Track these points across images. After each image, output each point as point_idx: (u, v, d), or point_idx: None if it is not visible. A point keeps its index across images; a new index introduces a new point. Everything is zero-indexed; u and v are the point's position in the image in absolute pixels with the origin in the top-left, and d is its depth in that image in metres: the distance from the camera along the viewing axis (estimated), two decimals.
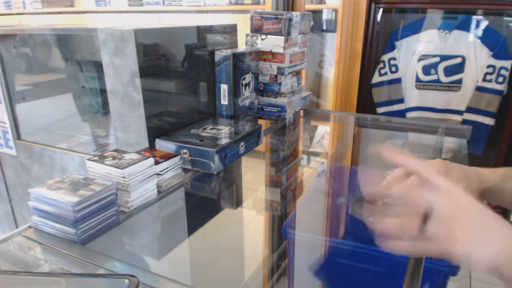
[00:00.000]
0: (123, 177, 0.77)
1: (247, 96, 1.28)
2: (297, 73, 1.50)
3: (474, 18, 2.09)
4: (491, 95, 2.07)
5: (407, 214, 0.47)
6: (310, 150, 1.48)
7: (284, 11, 1.63)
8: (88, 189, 0.70)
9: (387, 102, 2.36)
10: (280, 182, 1.17)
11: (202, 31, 1.18)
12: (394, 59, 2.28)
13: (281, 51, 1.31)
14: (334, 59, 2.28)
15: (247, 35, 1.36)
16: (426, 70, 2.21)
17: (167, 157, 0.89)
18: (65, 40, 1.49)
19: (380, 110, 2.40)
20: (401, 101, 2.33)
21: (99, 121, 1.65)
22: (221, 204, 1.03)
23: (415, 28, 2.22)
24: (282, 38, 1.29)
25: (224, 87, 1.20)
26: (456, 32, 2.12)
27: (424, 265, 0.59)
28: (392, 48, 2.28)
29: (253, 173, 1.22)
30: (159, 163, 0.86)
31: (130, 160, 0.81)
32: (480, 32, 2.08)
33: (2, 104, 1.45)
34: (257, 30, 1.33)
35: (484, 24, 2.07)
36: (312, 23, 1.57)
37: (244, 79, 1.24)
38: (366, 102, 2.44)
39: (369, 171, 0.56)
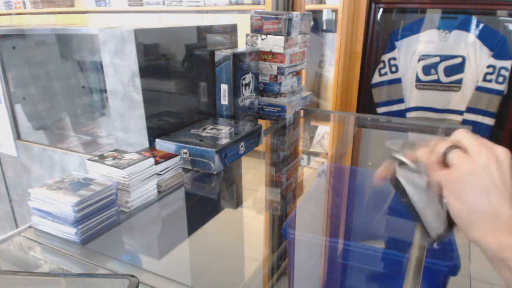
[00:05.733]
0: (123, 177, 0.77)
1: (247, 96, 1.28)
2: (297, 73, 1.50)
3: (474, 18, 2.09)
4: (491, 95, 2.07)
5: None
6: (310, 150, 1.48)
7: (284, 11, 1.63)
8: (88, 189, 0.70)
9: (387, 102, 2.36)
10: (280, 182, 1.17)
11: (202, 31, 1.18)
12: (394, 59, 2.28)
13: (281, 51, 1.31)
14: (334, 59, 2.27)
15: (247, 35, 1.35)
16: (426, 70, 2.21)
17: (167, 157, 0.89)
18: (64, 40, 1.49)
19: (380, 110, 2.40)
20: (401, 101, 2.33)
21: (99, 121, 1.65)
22: (221, 204, 1.03)
23: (415, 28, 2.22)
24: (282, 38, 1.29)
25: (224, 87, 1.20)
26: (456, 32, 2.12)
27: (424, 265, 0.59)
28: (392, 48, 2.28)
29: (253, 173, 1.22)
30: (159, 163, 0.86)
31: (130, 160, 0.81)
32: (480, 32, 2.08)
33: (2, 104, 1.45)
34: (257, 30, 1.33)
35: (484, 24, 2.07)
36: (312, 23, 1.57)
37: (244, 79, 1.24)
38: (366, 102, 2.44)
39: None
